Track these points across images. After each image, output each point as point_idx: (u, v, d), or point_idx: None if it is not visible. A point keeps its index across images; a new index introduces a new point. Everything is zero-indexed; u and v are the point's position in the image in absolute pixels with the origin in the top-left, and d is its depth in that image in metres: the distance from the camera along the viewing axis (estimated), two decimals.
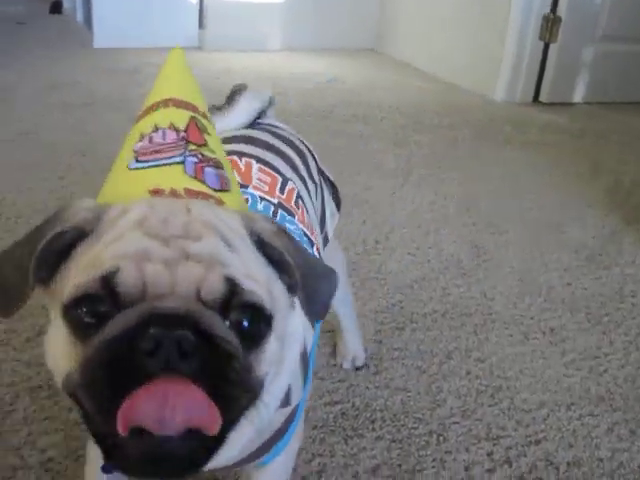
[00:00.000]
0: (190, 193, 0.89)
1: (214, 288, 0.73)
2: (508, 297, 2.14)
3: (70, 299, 0.73)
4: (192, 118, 0.98)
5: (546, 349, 1.90)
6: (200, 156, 0.94)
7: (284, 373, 0.91)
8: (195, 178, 0.91)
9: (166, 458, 0.69)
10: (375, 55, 5.57)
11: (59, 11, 6.49)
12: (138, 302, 0.71)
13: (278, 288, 0.83)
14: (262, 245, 0.83)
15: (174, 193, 0.87)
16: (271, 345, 0.79)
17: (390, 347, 1.83)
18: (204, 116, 1.02)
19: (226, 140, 1.30)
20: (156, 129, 0.95)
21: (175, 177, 0.90)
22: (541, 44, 4.38)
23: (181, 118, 0.97)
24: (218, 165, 0.96)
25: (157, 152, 0.93)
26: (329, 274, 0.91)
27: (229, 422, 0.73)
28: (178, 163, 0.91)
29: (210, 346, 0.70)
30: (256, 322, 0.76)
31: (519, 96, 4.47)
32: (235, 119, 1.44)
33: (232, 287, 0.74)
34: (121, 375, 0.68)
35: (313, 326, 1.08)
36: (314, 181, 1.43)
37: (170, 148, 0.94)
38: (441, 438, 1.54)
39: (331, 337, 1.84)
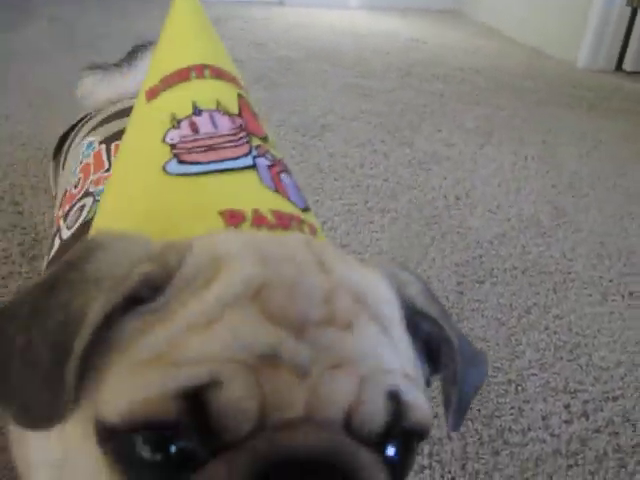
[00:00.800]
0: (280, 218, 0.63)
1: (375, 411, 0.48)
2: (587, 258, 2.13)
3: (125, 424, 0.44)
4: (240, 96, 0.71)
5: (625, 311, 1.90)
6: (270, 158, 0.69)
7: None
8: (277, 192, 0.66)
9: None
10: (456, 16, 5.50)
11: None
12: (247, 437, 0.44)
13: (419, 374, 0.58)
14: (412, 316, 0.59)
15: (260, 218, 0.61)
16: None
17: (471, 298, 1.86)
18: (247, 93, 0.76)
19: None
20: (198, 111, 0.67)
21: (251, 191, 0.65)
22: (628, 10, 4.26)
23: (227, 95, 0.69)
24: (287, 169, 0.72)
25: (210, 149, 0.64)
26: (480, 359, 0.67)
27: None
28: (248, 168, 0.65)
29: None
30: (411, 450, 0.53)
31: (602, 63, 4.37)
32: (131, 82, 1.20)
33: (397, 408, 0.49)
34: None
35: None
36: None
37: (229, 144, 0.65)
38: (519, 388, 1.57)
39: None
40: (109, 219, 0.62)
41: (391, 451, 0.49)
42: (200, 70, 0.68)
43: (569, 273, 2.04)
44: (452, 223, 2.23)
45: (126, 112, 1.02)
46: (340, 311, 0.50)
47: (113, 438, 0.45)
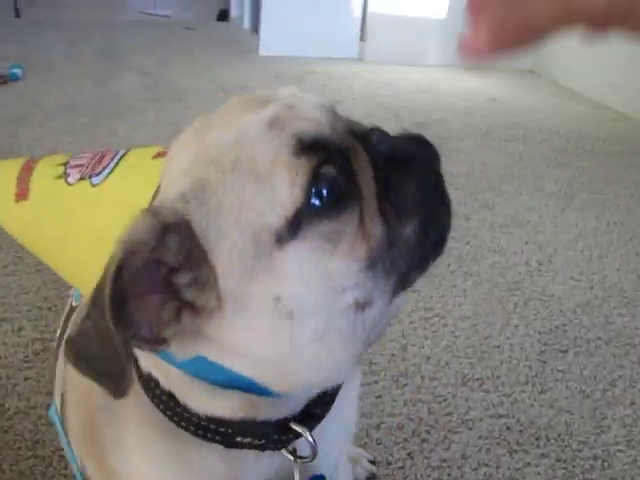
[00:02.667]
0: None
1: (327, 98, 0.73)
2: None
3: (305, 186, 0.60)
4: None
5: None
6: None
7: None
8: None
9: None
10: (534, 76, 5.52)
11: (226, 19, 6.82)
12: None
13: None
14: None
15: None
16: None
17: (554, 368, 1.85)
18: None
19: None
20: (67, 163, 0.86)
21: (145, 151, 0.85)
22: None
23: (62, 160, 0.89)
24: None
25: (99, 162, 0.83)
26: None
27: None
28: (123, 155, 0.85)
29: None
30: None
31: None
32: None
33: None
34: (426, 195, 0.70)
35: None
36: None
37: (100, 156, 0.85)
38: (606, 464, 1.56)
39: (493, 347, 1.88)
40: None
41: None
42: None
43: None
44: (535, 290, 2.22)
45: None
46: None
47: (303, 220, 0.60)
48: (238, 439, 0.71)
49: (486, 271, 2.31)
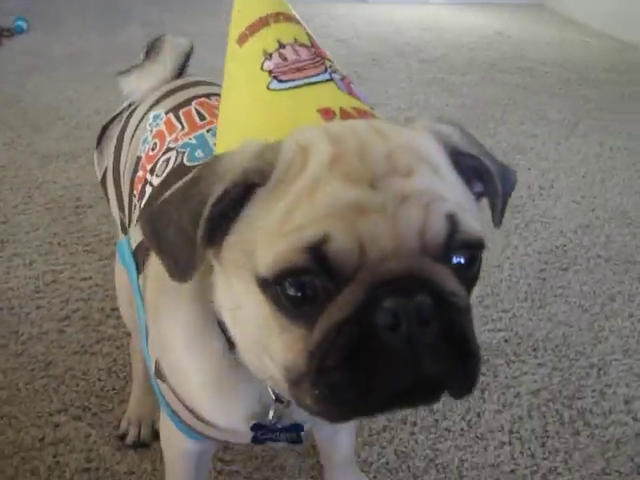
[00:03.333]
0: (359, 112, 0.79)
1: (437, 231, 0.63)
2: None
3: (274, 274, 0.62)
4: (307, 33, 0.88)
5: None
6: (339, 73, 0.85)
7: None
8: (350, 95, 0.82)
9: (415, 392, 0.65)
10: (540, 10, 5.44)
11: None
12: (357, 269, 0.62)
13: (471, 199, 0.74)
14: (456, 156, 0.73)
15: (345, 113, 0.77)
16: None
17: (554, 285, 1.89)
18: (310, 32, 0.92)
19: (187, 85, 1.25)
20: (282, 45, 0.84)
21: (334, 96, 0.80)
22: None
23: (299, 33, 0.87)
24: (353, 81, 0.87)
25: (299, 70, 0.81)
26: (510, 170, 0.82)
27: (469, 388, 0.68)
28: (328, 80, 0.81)
29: (445, 304, 0.62)
30: (474, 261, 0.68)
31: None
32: (169, 71, 1.34)
33: (453, 226, 0.64)
34: (364, 356, 0.61)
35: None
36: None
37: (311, 65, 0.83)
38: (601, 372, 1.60)
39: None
40: (230, 144, 0.75)
41: (457, 259, 0.65)
42: (276, 17, 0.86)
43: None
44: (536, 212, 2.25)
45: (185, 87, 1.25)
46: (400, 163, 0.65)
47: (268, 286, 0.63)
48: None
49: None
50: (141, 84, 1.38)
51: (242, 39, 0.87)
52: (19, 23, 4.21)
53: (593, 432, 1.43)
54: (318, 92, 0.80)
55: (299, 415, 0.86)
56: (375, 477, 1.32)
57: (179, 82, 1.30)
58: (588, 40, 4.50)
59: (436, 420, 1.44)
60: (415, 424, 1.43)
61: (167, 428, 1.00)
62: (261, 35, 0.85)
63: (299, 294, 0.62)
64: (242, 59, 0.86)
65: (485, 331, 1.69)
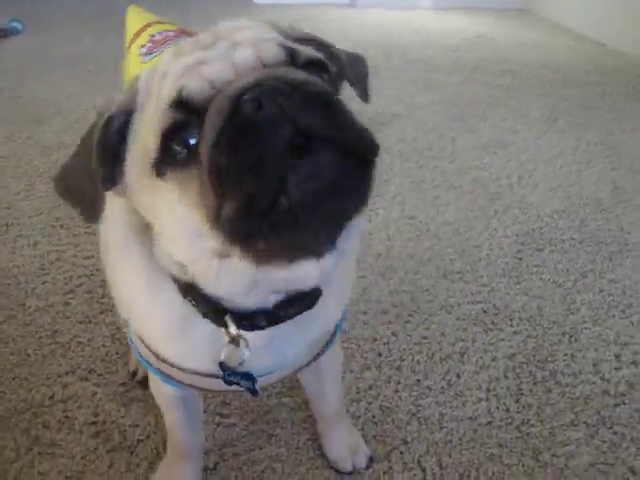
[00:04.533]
0: None
1: (274, 53, 0.72)
2: None
3: (160, 143, 0.70)
4: (175, 26, 1.13)
5: None
6: None
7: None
8: None
9: (330, 184, 0.65)
10: (524, 15, 5.59)
11: None
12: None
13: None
14: (295, 40, 0.80)
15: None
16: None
17: (530, 264, 2.00)
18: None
19: None
20: (152, 36, 1.04)
21: None
22: None
23: (169, 27, 1.10)
24: None
25: (163, 43, 1.02)
26: (360, 57, 0.92)
27: (368, 147, 0.71)
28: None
29: (302, 84, 0.68)
30: (325, 78, 0.76)
31: None
32: None
33: (289, 50, 0.73)
34: (251, 146, 0.64)
35: None
36: None
37: (175, 37, 1.02)
38: (572, 339, 1.71)
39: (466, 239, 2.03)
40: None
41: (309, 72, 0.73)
42: (148, 25, 1.15)
43: (626, 244, 2.15)
44: (514, 199, 2.37)
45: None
46: (224, 31, 0.77)
47: (162, 165, 0.71)
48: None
49: (469, 184, 2.45)
50: None
51: (129, 44, 1.15)
52: (14, 25, 4.31)
53: (564, 390, 1.55)
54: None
55: (254, 363, 0.89)
56: (362, 429, 1.42)
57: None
58: (571, 44, 4.64)
59: (418, 380, 1.55)
60: (399, 383, 1.54)
61: (152, 377, 1.08)
62: (138, 40, 1.10)
63: (183, 147, 0.69)
64: (130, 55, 1.10)
65: (465, 303, 1.81)
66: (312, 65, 0.75)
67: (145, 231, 0.83)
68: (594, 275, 1.97)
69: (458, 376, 1.57)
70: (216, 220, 0.66)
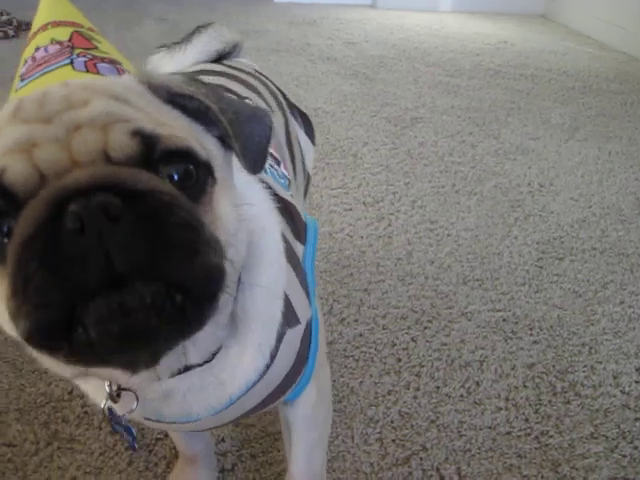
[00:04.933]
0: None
1: (123, 144, 0.61)
2: None
3: None
4: (75, 31, 0.91)
5: None
6: (90, 56, 0.86)
7: (267, 264, 0.82)
8: (87, 72, 0.83)
9: (135, 326, 0.58)
10: (545, 21, 5.57)
11: None
12: (37, 192, 0.59)
13: (210, 141, 0.72)
14: (173, 98, 0.71)
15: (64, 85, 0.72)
16: (222, 204, 0.68)
17: (550, 272, 1.99)
18: (91, 30, 0.97)
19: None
20: (37, 49, 0.87)
21: (65, 76, 0.81)
22: None
23: (63, 33, 0.90)
24: (114, 61, 0.89)
25: (40, 65, 0.84)
26: (260, 114, 0.76)
27: (203, 286, 0.62)
28: (65, 65, 0.83)
29: (144, 201, 0.59)
30: (190, 170, 0.65)
31: None
32: (189, 57, 1.39)
33: (146, 140, 0.62)
34: (56, 274, 0.56)
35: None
36: (284, 115, 1.34)
37: (55, 56, 0.85)
38: (592, 350, 1.70)
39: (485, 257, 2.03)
40: None
41: (169, 170, 0.63)
42: (44, 27, 0.93)
43: None
44: (535, 207, 2.36)
45: (198, 73, 1.29)
46: (75, 99, 0.65)
47: None
48: None
49: (489, 190, 2.44)
50: (162, 64, 1.48)
51: (28, 43, 0.94)
52: None
53: (583, 402, 1.54)
54: (51, 77, 0.82)
55: (162, 409, 0.83)
56: (380, 432, 1.42)
57: (198, 67, 1.37)
58: (592, 51, 4.62)
59: (437, 387, 1.55)
60: (418, 389, 1.54)
61: None
62: (27, 48, 0.91)
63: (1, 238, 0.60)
64: (15, 76, 0.94)
65: (485, 310, 1.80)
66: (174, 155, 0.64)
67: None
68: (615, 286, 1.96)
69: (477, 384, 1.56)
70: (16, 317, 0.59)
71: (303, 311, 0.89)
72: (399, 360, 1.62)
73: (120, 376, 0.73)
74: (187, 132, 0.68)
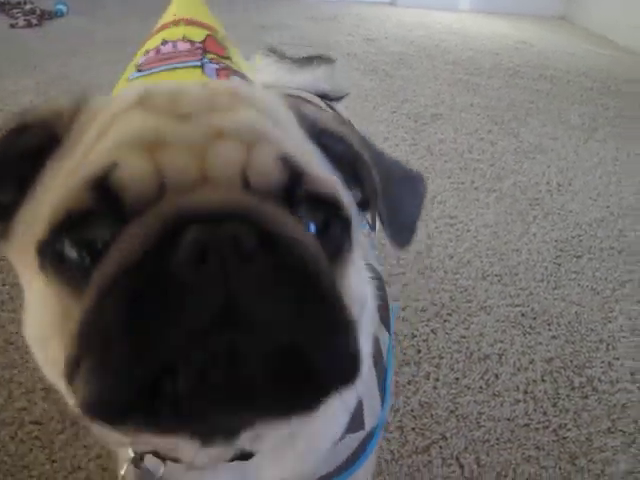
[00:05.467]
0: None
1: (267, 170, 0.49)
2: None
3: (50, 228, 0.48)
4: (209, 35, 0.84)
5: None
6: (224, 65, 0.80)
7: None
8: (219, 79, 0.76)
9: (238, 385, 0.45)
10: (565, 23, 5.57)
11: None
12: (152, 201, 0.47)
13: (346, 196, 0.58)
14: (319, 134, 0.59)
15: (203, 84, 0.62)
16: (352, 275, 0.55)
17: (568, 270, 2.01)
18: (224, 39, 0.88)
19: None
20: (164, 42, 0.79)
21: (193, 77, 0.75)
22: None
23: (196, 33, 0.82)
24: (245, 77, 0.82)
25: (167, 59, 0.76)
26: (415, 177, 0.65)
27: (338, 370, 0.49)
28: (195, 67, 0.76)
29: (280, 250, 0.46)
30: (333, 223, 0.53)
31: None
32: (295, 82, 1.29)
33: (292, 170, 0.50)
34: (154, 316, 0.43)
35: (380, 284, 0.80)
36: None
37: (184, 54, 0.76)
38: (610, 347, 1.72)
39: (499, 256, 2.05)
40: None
41: (307, 214, 0.51)
42: (176, 22, 0.85)
43: None
44: (554, 206, 2.37)
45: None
46: (221, 103, 0.53)
47: (46, 254, 0.49)
48: None
49: (508, 188, 2.46)
50: (264, 70, 1.40)
51: (150, 36, 0.90)
52: (59, 7, 4.35)
53: (600, 397, 1.55)
54: (176, 75, 0.76)
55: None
56: (401, 421, 1.44)
57: (302, 94, 1.28)
58: (610, 53, 4.62)
59: (457, 378, 1.57)
60: (437, 380, 1.56)
61: None
62: (154, 38, 0.84)
63: (83, 253, 0.47)
64: (135, 57, 0.87)
65: (503, 305, 1.82)
66: (320, 201, 0.52)
67: None
68: (632, 285, 1.98)
69: (496, 376, 1.58)
70: (73, 371, 0.47)
71: (372, 417, 0.77)
72: (419, 351, 1.64)
73: (185, 450, 0.60)
74: (334, 185, 0.55)
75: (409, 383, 1.54)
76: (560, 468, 1.37)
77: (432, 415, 1.47)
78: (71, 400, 0.49)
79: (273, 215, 0.47)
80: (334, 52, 3.98)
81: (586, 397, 1.55)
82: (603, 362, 1.66)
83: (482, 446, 1.40)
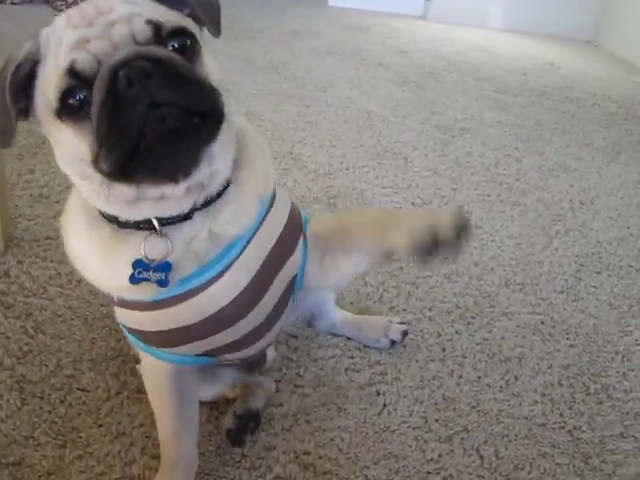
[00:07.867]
0: None
1: (143, 30, 0.91)
2: None
3: (57, 98, 0.88)
4: None
5: None
6: None
7: (258, 140, 1.16)
8: None
9: (173, 132, 0.86)
10: (592, 47, 5.65)
11: None
12: (98, 71, 0.88)
13: (188, 21, 1.02)
14: None
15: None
16: (209, 62, 0.97)
17: (587, 284, 2.09)
18: None
19: None
20: None
21: None
22: None
23: None
24: None
25: None
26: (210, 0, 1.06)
27: (210, 107, 0.91)
28: None
29: (164, 63, 0.87)
30: (185, 41, 0.94)
31: None
32: None
33: (155, 25, 0.91)
34: (122, 111, 0.85)
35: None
36: None
37: None
38: (625, 358, 1.80)
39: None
40: None
41: (172, 42, 0.92)
42: None
43: None
44: (575, 222, 2.45)
45: None
46: (104, 7, 0.93)
47: (60, 112, 0.89)
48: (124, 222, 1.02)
49: (532, 203, 2.54)
50: None
51: None
52: None
53: (614, 404, 1.63)
54: None
55: (178, 266, 1.03)
56: (425, 412, 1.53)
57: None
58: (635, 79, 4.69)
59: (479, 377, 1.65)
60: (460, 377, 1.64)
61: (144, 361, 1.22)
62: None
63: (77, 103, 0.87)
64: None
65: (524, 312, 1.90)
66: (176, 34, 0.93)
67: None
68: None
69: (516, 378, 1.67)
70: (97, 162, 0.88)
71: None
72: (444, 349, 1.72)
73: (167, 189, 0.96)
74: (177, 16, 0.98)
75: (434, 378, 1.63)
76: (574, 466, 1.45)
77: (454, 409, 1.55)
78: (98, 176, 0.90)
79: (154, 50, 0.88)
80: (366, 61, 4.09)
81: (601, 403, 1.63)
82: (618, 372, 1.74)
83: (501, 440, 1.49)
